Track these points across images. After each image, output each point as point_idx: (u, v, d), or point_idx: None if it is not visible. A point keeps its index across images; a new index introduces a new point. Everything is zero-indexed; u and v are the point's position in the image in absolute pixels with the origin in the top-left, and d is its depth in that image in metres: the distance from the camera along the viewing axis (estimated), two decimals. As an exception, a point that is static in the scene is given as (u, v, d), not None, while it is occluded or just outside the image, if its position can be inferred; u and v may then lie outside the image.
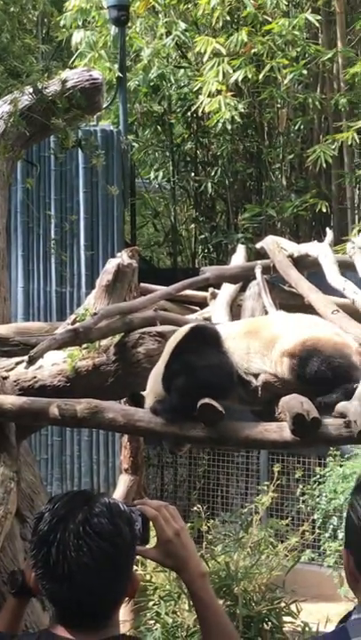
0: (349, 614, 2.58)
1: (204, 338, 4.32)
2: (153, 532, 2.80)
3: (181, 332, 4.40)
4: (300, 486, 11.21)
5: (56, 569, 2.53)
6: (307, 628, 6.64)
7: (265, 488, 9.11)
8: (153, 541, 2.80)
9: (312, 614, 6.78)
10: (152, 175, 14.84)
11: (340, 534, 10.49)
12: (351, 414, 3.69)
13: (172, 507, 2.83)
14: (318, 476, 10.99)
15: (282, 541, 8.10)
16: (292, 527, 9.31)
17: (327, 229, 5.81)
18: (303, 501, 11.09)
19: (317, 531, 10.70)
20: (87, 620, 2.57)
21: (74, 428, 10.62)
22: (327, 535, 10.68)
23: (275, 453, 11.19)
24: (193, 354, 4.21)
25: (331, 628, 6.81)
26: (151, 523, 2.78)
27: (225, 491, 12.49)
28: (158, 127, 14.51)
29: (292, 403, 3.89)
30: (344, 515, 10.22)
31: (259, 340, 4.21)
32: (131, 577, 2.65)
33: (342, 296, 4.92)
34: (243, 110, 12.60)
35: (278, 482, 8.98)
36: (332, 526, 10.63)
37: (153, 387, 4.31)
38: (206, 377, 4.10)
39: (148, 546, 2.80)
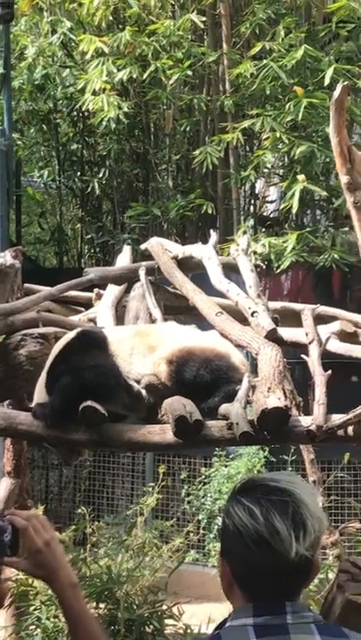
0: (225, 621, 2.58)
1: (91, 341, 4.29)
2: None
3: (68, 335, 4.36)
4: (186, 487, 11.24)
5: None
6: (188, 630, 6.64)
7: (150, 489, 9.10)
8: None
9: (196, 615, 6.77)
10: (37, 174, 14.74)
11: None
12: (233, 416, 3.70)
13: (43, 517, 2.80)
14: (203, 477, 11.04)
15: (166, 542, 8.10)
16: (177, 528, 9.31)
17: (211, 231, 5.82)
18: (188, 502, 11.11)
19: (202, 531, 10.73)
20: None
21: None
22: (212, 536, 10.73)
23: (160, 454, 11.17)
24: (78, 356, 4.18)
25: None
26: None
27: (110, 492, 12.45)
28: (44, 126, 14.41)
29: (175, 405, 3.88)
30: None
31: (142, 345, 4.22)
32: None
33: (226, 298, 4.93)
34: (128, 110, 12.57)
35: (163, 483, 8.98)
36: (216, 527, 10.68)
37: (37, 391, 4.26)
38: (90, 378, 4.08)
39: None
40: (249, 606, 2.51)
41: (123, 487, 12.47)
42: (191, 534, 9.08)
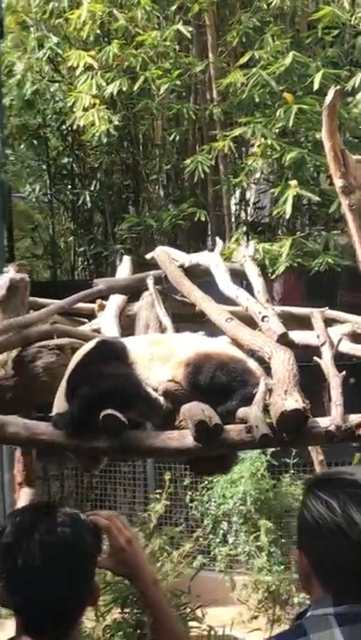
0: (305, 612, 2.67)
1: (111, 350, 4.34)
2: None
3: (88, 346, 4.40)
4: (190, 493, 11.27)
5: (21, 579, 2.56)
6: (212, 632, 6.71)
7: (156, 496, 9.15)
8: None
9: (212, 618, 6.86)
10: (29, 188, 14.81)
11: (230, 539, 10.62)
12: (252, 419, 3.76)
13: (122, 516, 2.89)
14: (207, 482, 11.07)
15: (177, 548, 8.16)
16: (184, 534, 9.35)
17: (217, 239, 5.92)
18: (193, 508, 11.16)
19: (210, 536, 10.77)
20: (51, 629, 2.61)
21: None
22: (218, 540, 10.78)
23: (162, 461, 11.19)
24: (98, 365, 4.23)
25: (236, 631, 6.91)
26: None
27: (112, 501, 12.48)
28: (34, 141, 14.49)
29: (194, 410, 3.94)
30: (233, 519, 10.41)
31: (160, 353, 4.28)
32: (93, 585, 2.70)
33: (234, 304, 5.00)
34: (118, 123, 12.66)
35: (169, 490, 9.03)
36: (222, 531, 10.73)
37: (57, 400, 4.31)
38: (110, 386, 4.11)
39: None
40: (328, 596, 2.60)
41: (125, 496, 12.51)
42: (200, 539, 9.14)
